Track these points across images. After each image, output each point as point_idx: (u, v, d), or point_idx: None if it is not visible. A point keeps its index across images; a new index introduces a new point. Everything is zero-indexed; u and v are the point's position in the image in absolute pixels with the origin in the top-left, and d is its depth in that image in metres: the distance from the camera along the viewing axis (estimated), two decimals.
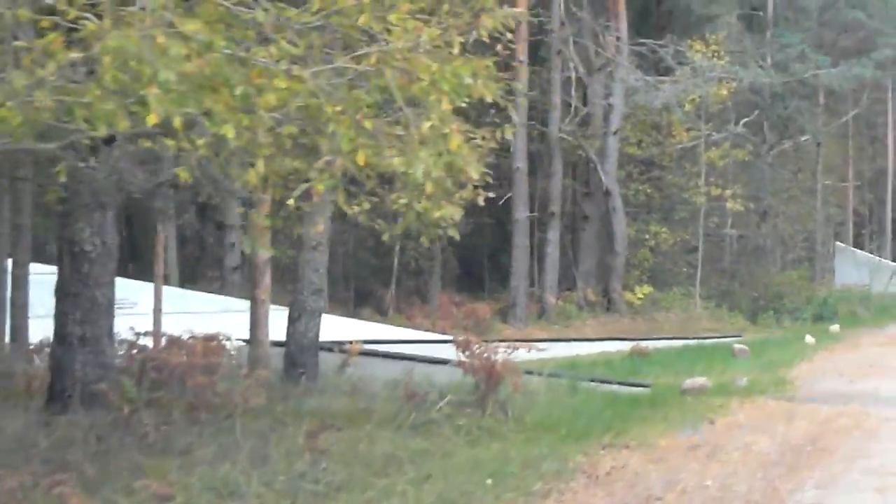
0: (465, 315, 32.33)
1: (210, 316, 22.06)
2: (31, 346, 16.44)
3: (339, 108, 7.77)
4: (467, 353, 14.10)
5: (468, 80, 7.84)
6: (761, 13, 41.65)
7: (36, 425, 12.24)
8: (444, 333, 29.11)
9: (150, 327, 17.74)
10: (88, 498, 9.30)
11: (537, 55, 36.31)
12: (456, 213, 7.98)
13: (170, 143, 7.38)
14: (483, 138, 8.65)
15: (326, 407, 14.46)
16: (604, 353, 26.00)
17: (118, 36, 6.66)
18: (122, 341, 14.44)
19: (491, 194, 8.36)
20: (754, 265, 41.85)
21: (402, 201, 7.95)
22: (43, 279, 16.72)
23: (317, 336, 16.45)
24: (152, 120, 6.84)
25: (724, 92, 37.34)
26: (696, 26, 39.99)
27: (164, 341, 15.29)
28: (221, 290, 28.43)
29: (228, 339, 15.57)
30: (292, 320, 16.36)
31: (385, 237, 8.57)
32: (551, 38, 35.14)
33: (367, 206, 7.97)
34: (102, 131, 6.99)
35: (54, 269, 13.94)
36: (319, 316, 16.53)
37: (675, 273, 40.18)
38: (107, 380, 13.18)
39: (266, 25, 7.55)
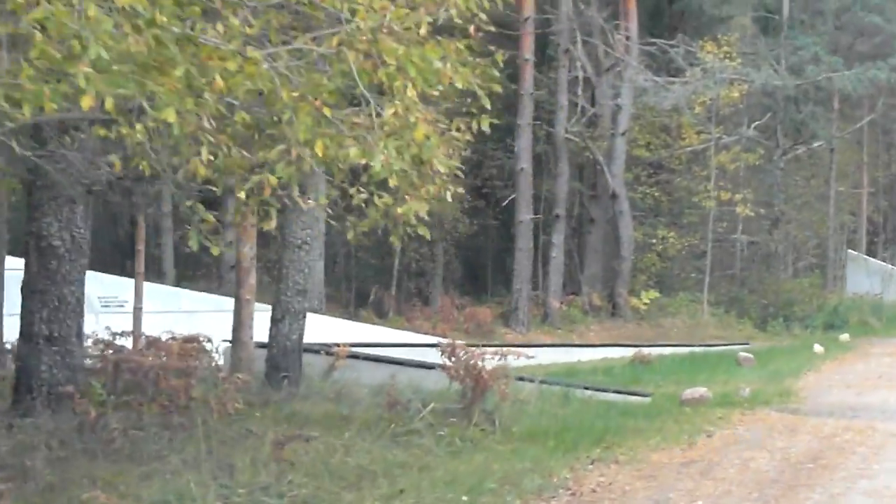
0: (466, 318, 31.78)
1: (202, 315, 21.50)
2: (5, 346, 15.84)
3: (296, 94, 7.15)
4: (453, 359, 13.44)
5: (438, 65, 7.19)
6: (776, 16, 40.87)
7: None
8: (443, 337, 28.53)
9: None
10: None
11: (544, 53, 35.62)
12: (422, 209, 7.31)
13: (102, 131, 6.76)
14: (458, 130, 8.01)
15: (308, 413, 13.85)
16: (606, 360, 25.37)
17: (47, 9, 6.06)
18: (98, 341, 13.90)
19: (460, 189, 7.68)
20: (764, 272, 41.10)
21: (363, 196, 7.31)
22: (20, 276, 16.15)
23: (301, 338, 15.81)
24: (86, 103, 6.24)
25: (736, 94, 36.64)
26: (708, 27, 39.29)
27: (143, 342, 14.78)
28: (219, 289, 27.84)
29: (209, 340, 15.00)
30: (275, 321, 15.73)
31: (350, 236, 7.92)
32: (559, 36, 34.47)
33: (324, 201, 7.31)
34: (28, 114, 6.35)
35: None
36: (304, 318, 15.89)
37: (683, 278, 39.48)
38: (74, 382, 12.61)
39: (217, 1, 6.94)
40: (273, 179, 7.07)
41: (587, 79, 35.69)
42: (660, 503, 10.00)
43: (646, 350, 25.51)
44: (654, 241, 38.55)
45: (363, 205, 7.35)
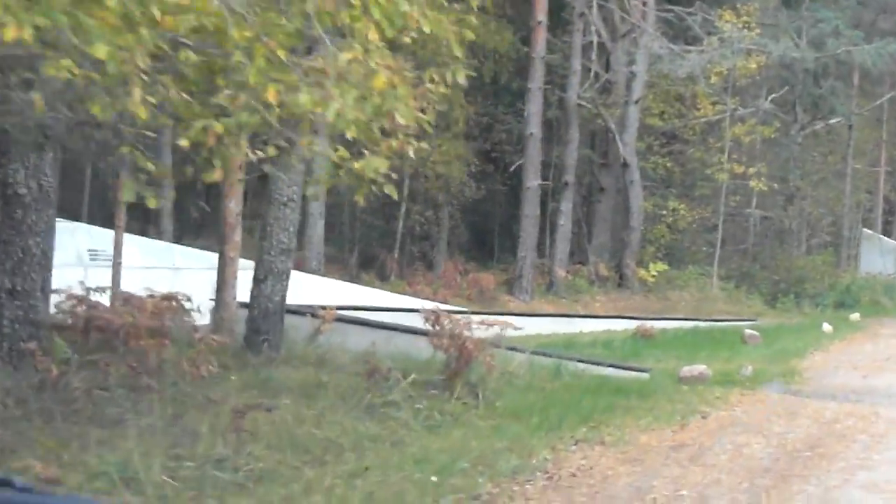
0: (469, 284, 31.19)
1: (196, 272, 20.95)
2: None
3: (249, 34, 6.47)
4: (437, 327, 12.78)
5: (405, 7, 6.50)
6: None
7: None
8: (445, 303, 27.91)
9: (133, 281, 16.56)
10: None
11: (559, 17, 34.78)
12: (382, 166, 6.61)
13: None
14: (432, 81, 7.32)
15: (284, 380, 13.18)
16: (608, 332, 24.71)
17: None
18: (71, 296, 13.27)
19: (424, 145, 6.98)
20: (777, 247, 40.44)
21: (316, 148, 6.62)
22: None
23: (283, 300, 15.14)
24: (8, 34, 5.60)
25: (753, 65, 35.85)
26: None
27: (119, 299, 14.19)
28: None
29: (188, 298, 14.35)
30: (257, 282, 15.06)
31: (309, 192, 7.25)
32: (574, 0, 33.65)
33: (272, 152, 6.61)
34: None
35: None
36: (287, 278, 15.21)
37: (693, 251, 38.81)
38: (38, 338, 12.00)
39: None
40: (219, 127, 6.39)
41: (602, 44, 34.87)
42: (642, 491, 9.32)
43: (648, 323, 24.86)
44: (664, 212, 37.88)
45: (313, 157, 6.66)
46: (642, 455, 10.79)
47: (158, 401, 11.13)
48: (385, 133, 6.78)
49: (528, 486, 9.24)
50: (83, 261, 20.79)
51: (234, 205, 16.16)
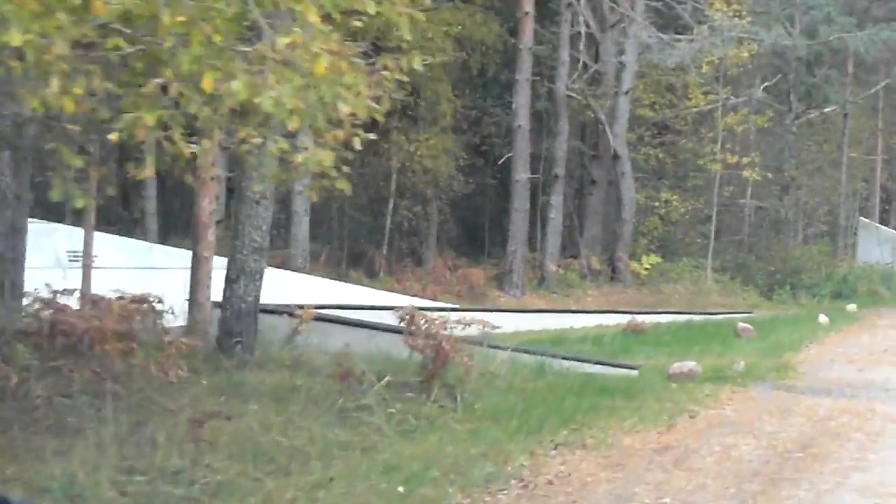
0: (458, 280, 30.76)
1: (178, 272, 20.44)
2: None
3: (183, 19, 5.98)
4: (412, 326, 12.27)
5: None
6: None
7: None
8: (433, 299, 27.45)
9: (111, 283, 16.06)
10: None
11: (546, 7, 34.28)
12: (327, 159, 6.10)
13: None
14: (385, 68, 6.82)
15: (256, 384, 12.66)
16: (600, 327, 24.25)
17: None
18: (36, 299, 12.77)
19: (372, 136, 6.48)
20: (773, 238, 39.98)
21: (256, 140, 6.12)
22: None
23: (257, 300, 14.60)
24: None
25: (745, 54, 35.39)
26: None
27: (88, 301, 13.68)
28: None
29: (160, 300, 13.84)
30: (230, 282, 14.51)
31: (256, 186, 6.76)
32: None
33: (208, 145, 6.10)
34: None
35: None
36: (261, 278, 14.67)
37: (687, 243, 38.35)
38: None
39: None
40: (150, 118, 5.90)
41: (590, 34, 34.44)
42: (622, 499, 8.83)
43: (640, 318, 24.35)
44: (656, 204, 37.42)
45: (254, 151, 6.16)
46: (625, 459, 10.29)
47: (122, 408, 10.64)
48: (333, 123, 6.28)
49: (500, 496, 8.74)
50: (62, 262, 20.31)
51: (206, 203, 15.67)
